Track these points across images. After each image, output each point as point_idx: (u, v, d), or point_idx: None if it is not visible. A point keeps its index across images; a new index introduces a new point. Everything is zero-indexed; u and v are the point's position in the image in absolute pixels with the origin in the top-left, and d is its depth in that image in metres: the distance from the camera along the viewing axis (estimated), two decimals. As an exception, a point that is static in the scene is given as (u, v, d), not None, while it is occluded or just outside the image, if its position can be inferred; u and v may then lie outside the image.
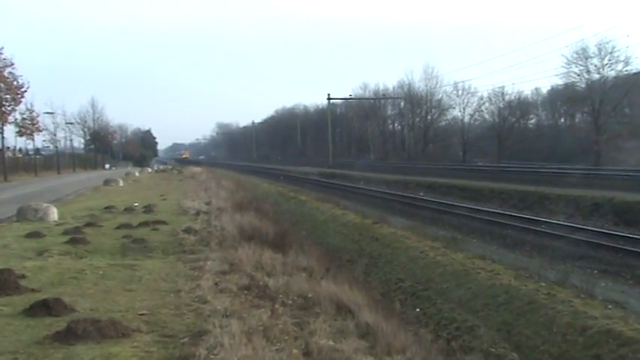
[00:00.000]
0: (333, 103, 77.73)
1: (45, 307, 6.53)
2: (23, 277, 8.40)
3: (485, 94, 61.59)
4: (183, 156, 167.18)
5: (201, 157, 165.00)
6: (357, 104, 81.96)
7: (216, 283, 8.26)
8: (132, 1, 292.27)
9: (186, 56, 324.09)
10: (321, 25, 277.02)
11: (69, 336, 5.56)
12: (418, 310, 11.67)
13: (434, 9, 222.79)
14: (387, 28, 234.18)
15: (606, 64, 46.91)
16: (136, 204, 20.85)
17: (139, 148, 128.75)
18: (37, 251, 10.94)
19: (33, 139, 65.18)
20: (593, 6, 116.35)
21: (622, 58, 45.86)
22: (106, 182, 35.55)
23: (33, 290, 7.66)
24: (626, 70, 46.39)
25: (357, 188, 36.36)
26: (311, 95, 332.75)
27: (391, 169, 50.73)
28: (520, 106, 61.02)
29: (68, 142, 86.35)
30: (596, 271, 12.54)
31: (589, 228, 16.83)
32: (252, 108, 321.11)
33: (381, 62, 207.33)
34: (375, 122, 78.96)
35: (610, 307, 9.03)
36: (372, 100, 78.26)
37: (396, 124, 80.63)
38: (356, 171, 50.01)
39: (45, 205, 17.26)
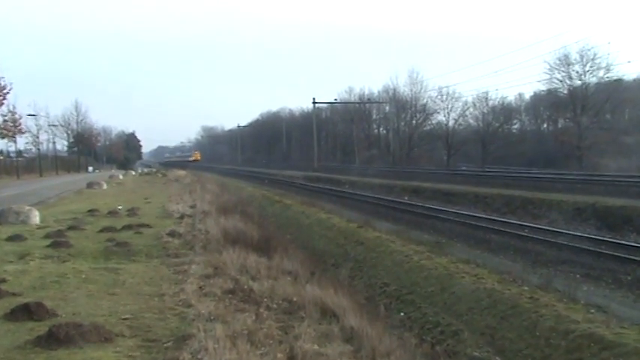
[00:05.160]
0: (318, 107, 77.91)
1: (26, 312, 6.44)
2: (4, 280, 8.30)
3: (470, 100, 62.23)
4: (192, 158, 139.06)
5: None
6: (342, 108, 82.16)
7: (200, 287, 8.22)
8: (116, 6, 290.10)
9: (171, 59, 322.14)
10: (307, 29, 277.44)
11: (51, 341, 5.49)
12: (403, 314, 11.72)
13: (419, 15, 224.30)
14: (373, 32, 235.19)
15: (588, 71, 47.67)
16: (120, 207, 20.69)
17: (123, 151, 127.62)
18: (19, 255, 10.80)
19: (15, 141, 64.69)
20: (576, 13, 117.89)
21: (603, 64, 46.68)
22: (90, 185, 35.25)
23: (14, 294, 7.56)
24: (608, 77, 47.20)
25: (342, 192, 36.41)
26: (296, 99, 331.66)
27: (376, 172, 50.82)
28: (504, 112, 61.71)
29: (51, 145, 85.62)
30: (578, 276, 12.65)
31: (571, 232, 17.00)
32: (237, 111, 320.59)
33: (366, 67, 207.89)
34: (361, 126, 79.22)
35: (592, 311, 9.14)
36: (357, 105, 78.51)
37: (381, 129, 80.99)
38: (341, 175, 50.05)
39: (27, 208, 17.04)
